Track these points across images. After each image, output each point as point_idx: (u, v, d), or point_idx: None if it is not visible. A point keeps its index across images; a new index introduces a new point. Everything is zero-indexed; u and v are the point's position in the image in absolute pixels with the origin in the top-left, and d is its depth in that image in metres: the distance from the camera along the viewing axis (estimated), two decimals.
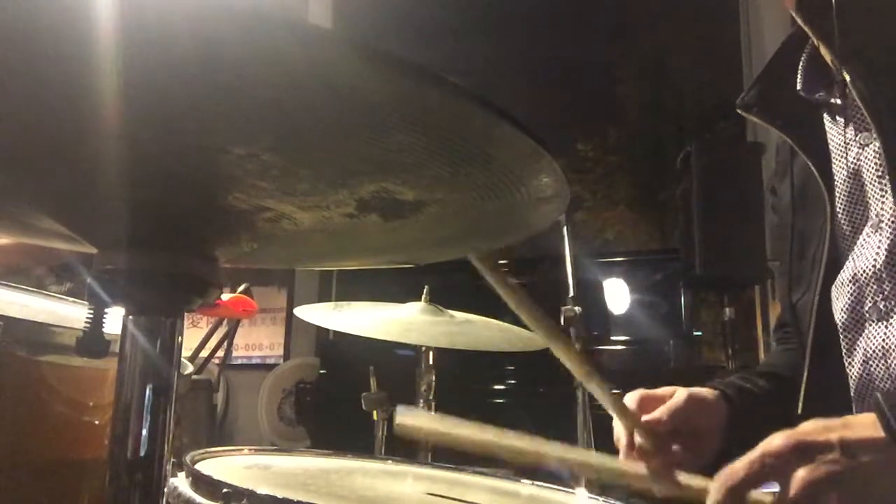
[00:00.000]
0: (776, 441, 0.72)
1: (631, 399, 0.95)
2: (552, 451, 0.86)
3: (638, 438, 0.90)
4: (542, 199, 0.49)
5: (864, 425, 0.72)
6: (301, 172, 0.45)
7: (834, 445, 0.70)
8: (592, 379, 0.85)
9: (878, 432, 0.71)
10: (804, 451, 0.71)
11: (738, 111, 1.09)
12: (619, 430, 0.93)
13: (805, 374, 1.01)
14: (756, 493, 0.73)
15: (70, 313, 1.17)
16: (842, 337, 0.97)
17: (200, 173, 0.45)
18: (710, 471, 0.97)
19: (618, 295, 3.68)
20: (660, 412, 0.94)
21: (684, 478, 0.81)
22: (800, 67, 1.03)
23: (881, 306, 0.92)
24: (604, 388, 0.85)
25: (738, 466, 0.73)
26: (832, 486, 0.70)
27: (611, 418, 0.94)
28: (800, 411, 1.01)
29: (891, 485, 0.71)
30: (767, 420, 1.04)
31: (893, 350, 0.90)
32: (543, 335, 0.78)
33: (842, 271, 0.97)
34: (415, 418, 0.88)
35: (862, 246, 0.95)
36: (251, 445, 1.08)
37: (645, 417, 0.93)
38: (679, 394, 0.96)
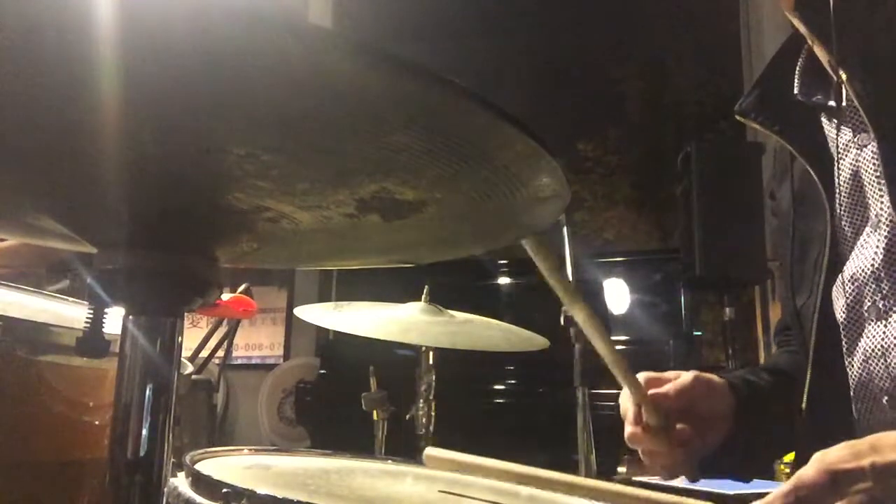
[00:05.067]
0: (808, 473, 0.71)
1: (638, 379, 0.95)
2: (583, 482, 0.86)
3: (644, 415, 0.90)
4: (542, 199, 0.49)
5: (892, 447, 0.71)
6: (301, 172, 0.45)
7: (866, 472, 0.69)
8: (607, 346, 0.85)
9: None
10: (837, 481, 0.70)
11: (737, 117, 1.09)
12: (625, 403, 0.94)
13: (808, 375, 1.01)
14: None
15: (70, 313, 1.17)
16: (842, 336, 0.97)
17: (200, 173, 0.45)
18: (714, 461, 0.98)
19: (618, 295, 3.68)
20: (666, 388, 0.94)
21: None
22: (797, 71, 1.03)
23: (880, 305, 0.92)
24: (617, 358, 0.86)
25: (771, 500, 0.72)
26: None
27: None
28: (803, 412, 1.01)
29: None
30: (772, 412, 1.04)
31: (892, 349, 0.90)
32: (567, 300, 0.79)
33: (842, 271, 0.97)
34: (444, 453, 0.91)
35: (861, 246, 0.95)
36: (251, 445, 1.08)
37: (651, 391, 0.93)
38: (686, 375, 0.97)
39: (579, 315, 0.81)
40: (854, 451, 0.71)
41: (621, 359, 0.86)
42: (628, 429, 0.94)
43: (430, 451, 0.94)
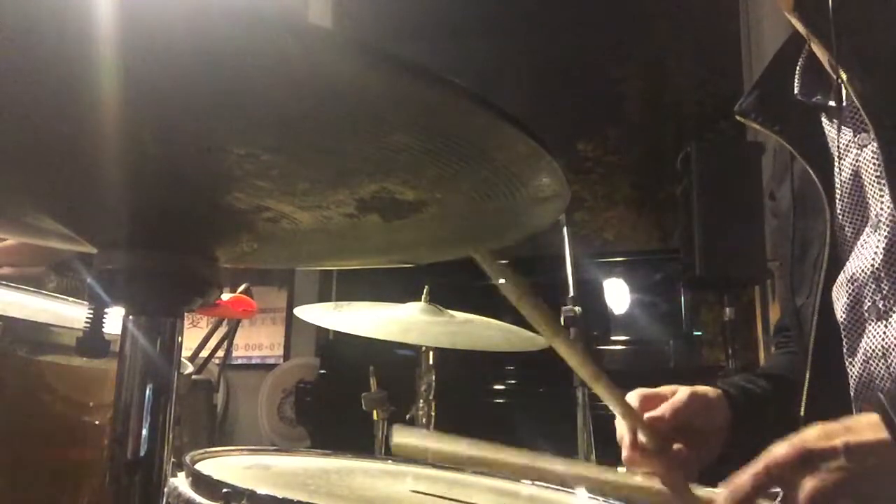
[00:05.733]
0: (780, 450, 0.71)
1: (632, 397, 0.95)
2: (556, 466, 0.86)
3: (641, 437, 0.90)
4: (542, 199, 0.49)
5: (867, 427, 0.71)
6: (301, 172, 0.45)
7: (839, 451, 0.69)
8: (594, 375, 0.84)
9: (882, 434, 0.70)
10: (809, 459, 0.70)
11: (737, 117, 1.09)
12: (621, 428, 0.93)
13: (807, 376, 1.01)
14: (762, 502, 0.72)
15: (70, 313, 1.17)
16: (843, 337, 0.97)
17: (200, 173, 0.45)
18: (713, 473, 0.97)
19: (618, 295, 3.68)
20: (662, 410, 0.93)
21: (690, 489, 0.80)
22: (797, 71, 1.03)
23: (880, 305, 0.92)
24: (607, 386, 0.85)
25: (744, 477, 0.72)
26: (840, 494, 0.69)
27: (610, 418, 0.93)
28: (802, 413, 1.00)
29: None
30: (770, 420, 1.04)
31: (893, 349, 0.90)
32: (545, 332, 0.77)
33: (842, 272, 0.97)
34: (411, 437, 0.87)
35: (861, 246, 0.95)
36: (251, 445, 1.08)
37: (647, 415, 0.92)
38: (681, 392, 0.96)
39: (561, 348, 0.79)
40: (828, 432, 0.72)
41: (612, 387, 0.85)
42: (625, 453, 0.93)
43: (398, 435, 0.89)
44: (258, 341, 4.44)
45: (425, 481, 1.05)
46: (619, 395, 0.88)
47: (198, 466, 0.84)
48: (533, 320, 0.74)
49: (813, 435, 0.72)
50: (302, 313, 1.61)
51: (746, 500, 0.72)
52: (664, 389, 0.97)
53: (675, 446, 0.89)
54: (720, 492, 0.74)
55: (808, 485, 0.69)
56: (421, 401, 1.65)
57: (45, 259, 1.86)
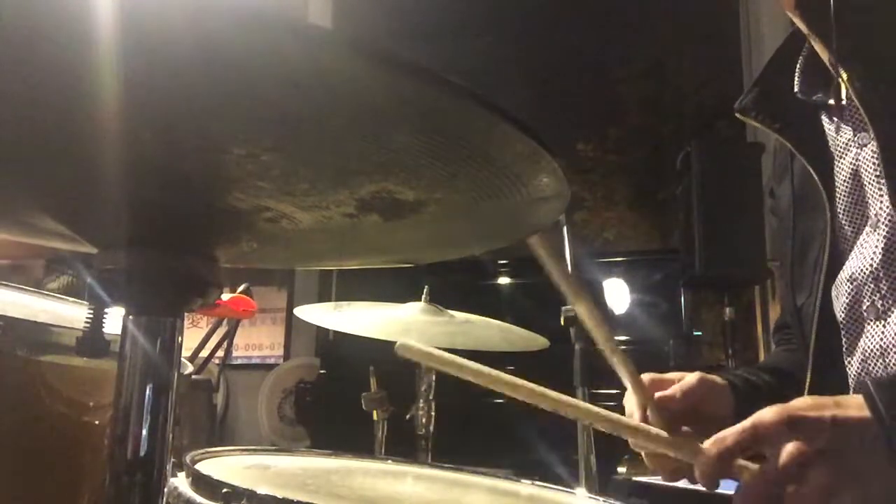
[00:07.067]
0: (768, 414, 0.73)
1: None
2: (556, 397, 0.87)
3: (650, 416, 0.91)
4: (542, 199, 0.49)
5: (855, 406, 0.73)
6: (301, 172, 0.45)
7: (826, 423, 0.70)
8: (615, 351, 0.85)
9: (868, 413, 0.72)
10: (796, 426, 0.71)
11: (737, 115, 1.09)
12: (630, 406, 0.94)
13: (808, 375, 1.01)
14: (742, 461, 0.73)
15: (70, 313, 1.17)
16: (843, 336, 0.97)
17: (200, 173, 0.45)
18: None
19: (618, 295, 3.68)
20: (673, 390, 0.95)
21: (674, 438, 0.81)
22: (797, 69, 1.04)
23: (878, 305, 0.92)
24: (624, 361, 0.86)
25: (729, 434, 0.73)
26: (820, 461, 0.70)
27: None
28: None
29: (876, 465, 0.71)
30: None
31: (891, 349, 0.90)
32: (576, 301, 0.78)
33: (841, 271, 0.97)
34: (417, 345, 0.88)
35: (861, 246, 0.95)
36: (251, 445, 1.08)
37: (658, 394, 0.93)
38: (690, 376, 0.97)
39: (581, 309, 0.81)
40: (818, 403, 0.73)
41: (627, 360, 0.86)
42: None
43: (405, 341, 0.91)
44: (258, 341, 4.44)
45: (426, 481, 1.05)
46: (634, 369, 0.89)
47: (198, 466, 0.84)
48: (562, 285, 0.75)
49: (803, 404, 0.73)
50: (302, 313, 1.61)
51: (729, 455, 0.73)
52: (672, 375, 0.98)
53: (683, 429, 0.90)
54: (706, 444, 0.75)
55: (791, 447, 0.70)
56: (421, 401, 1.65)
57: (39, 253, 1.85)
